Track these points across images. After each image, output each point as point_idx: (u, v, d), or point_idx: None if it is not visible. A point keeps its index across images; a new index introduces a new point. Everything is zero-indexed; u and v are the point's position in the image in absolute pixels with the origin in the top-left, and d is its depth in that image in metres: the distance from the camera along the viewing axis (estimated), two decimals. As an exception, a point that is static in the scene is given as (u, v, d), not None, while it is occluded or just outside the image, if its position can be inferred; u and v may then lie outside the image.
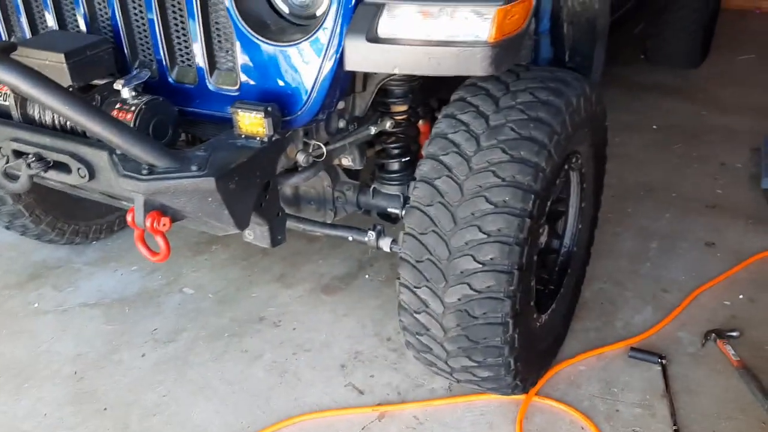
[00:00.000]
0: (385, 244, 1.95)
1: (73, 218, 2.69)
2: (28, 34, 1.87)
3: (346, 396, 2.09)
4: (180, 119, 1.69)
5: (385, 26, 1.44)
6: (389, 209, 2.05)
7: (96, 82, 1.70)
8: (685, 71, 4.31)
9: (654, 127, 3.66)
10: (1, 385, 2.17)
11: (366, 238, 1.98)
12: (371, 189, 2.09)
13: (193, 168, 1.46)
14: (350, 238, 2.03)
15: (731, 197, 3.00)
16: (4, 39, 1.94)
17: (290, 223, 2.07)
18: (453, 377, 1.87)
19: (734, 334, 2.21)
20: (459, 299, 1.65)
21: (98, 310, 2.49)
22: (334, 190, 2.12)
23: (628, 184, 3.11)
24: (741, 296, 2.41)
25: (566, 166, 1.87)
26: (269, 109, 1.53)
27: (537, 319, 1.94)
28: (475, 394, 2.03)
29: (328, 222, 2.13)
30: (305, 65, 1.56)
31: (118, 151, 1.52)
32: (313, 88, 1.57)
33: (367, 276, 2.61)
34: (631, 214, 2.91)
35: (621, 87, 4.13)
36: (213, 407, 2.06)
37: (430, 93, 2.10)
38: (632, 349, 2.17)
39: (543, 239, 1.97)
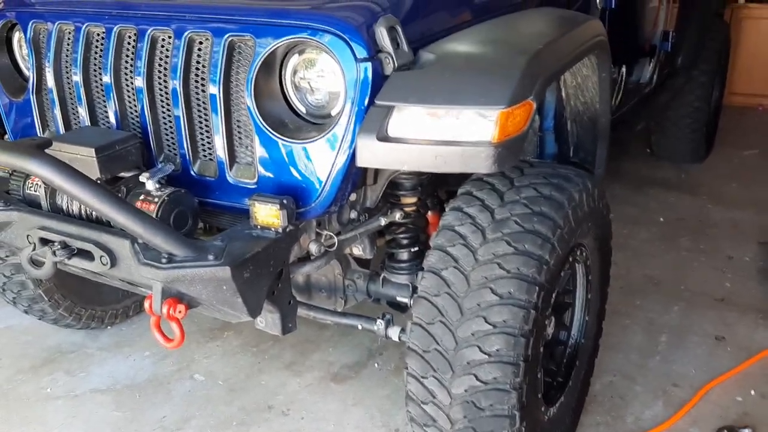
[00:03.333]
0: (394, 333, 1.98)
1: (90, 303, 2.75)
2: (61, 129, 2.00)
3: (353, 489, 2.07)
4: (200, 210, 1.77)
5: (394, 126, 1.54)
6: (398, 298, 2.09)
7: (122, 174, 1.81)
8: (690, 166, 4.42)
9: (660, 220, 3.73)
10: (8, 472, 2.17)
11: (375, 327, 2.02)
12: (381, 278, 2.14)
13: (210, 257, 1.53)
14: (360, 327, 2.07)
15: (740, 291, 3.02)
16: (39, 133, 2.07)
17: (301, 311, 2.11)
18: (461, 471, 1.85)
19: (747, 431, 2.18)
20: (466, 390, 1.66)
21: (109, 396, 2.50)
22: (344, 279, 2.17)
23: (636, 277, 3.14)
24: (753, 392, 2.39)
25: (571, 259, 1.92)
26: (284, 201, 1.61)
27: (545, 412, 1.94)
28: (484, 488, 2.00)
29: (339, 310, 2.18)
30: (320, 161, 1.66)
31: (140, 241, 1.60)
32: (326, 182, 1.66)
33: (376, 365, 2.62)
34: (640, 306, 2.92)
35: (627, 181, 4.23)
36: (218, 498, 2.05)
37: (439, 185, 2.18)
38: (643, 445, 2.14)
39: (550, 330, 1.99)
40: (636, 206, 3.89)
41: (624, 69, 3.12)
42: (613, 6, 2.60)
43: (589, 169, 2.39)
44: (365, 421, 2.33)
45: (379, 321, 2.01)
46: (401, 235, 2.12)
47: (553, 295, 1.80)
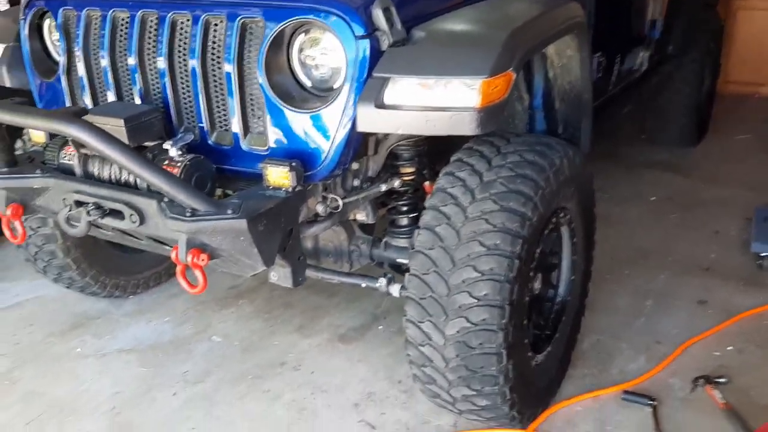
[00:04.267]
0: (395, 289, 2.18)
1: (115, 273, 2.97)
2: (90, 105, 2.20)
3: (360, 430, 2.26)
4: (216, 175, 1.98)
5: (390, 95, 1.74)
6: (399, 260, 2.29)
7: (146, 144, 2.01)
8: (683, 149, 4.58)
9: (652, 198, 3.90)
10: (46, 419, 2.38)
11: (377, 284, 2.22)
12: (383, 242, 2.35)
13: (229, 211, 1.74)
14: (363, 285, 2.27)
15: (724, 261, 3.20)
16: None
17: (310, 272, 2.31)
18: (456, 408, 2.05)
19: (722, 380, 2.36)
20: (458, 331, 1.86)
21: (134, 355, 2.72)
22: (349, 244, 2.38)
23: (626, 249, 3.32)
24: (730, 348, 2.57)
25: (555, 220, 2.12)
26: (294, 164, 1.82)
27: (533, 358, 2.13)
28: (479, 430, 2.20)
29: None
30: (324, 128, 1.86)
31: (165, 200, 1.81)
32: (330, 147, 1.87)
33: (380, 327, 2.82)
34: (628, 275, 3.10)
35: (622, 164, 4.41)
36: (236, 440, 2.26)
37: (435, 158, 2.38)
38: (625, 392, 2.33)
39: (537, 287, 2.19)
40: (630, 186, 4.07)
41: (616, 54, 3.31)
42: (599, -8, 2.77)
43: (577, 144, 2.58)
44: (370, 375, 2.53)
45: (381, 279, 2.21)
46: (401, 203, 2.33)
47: (537, 250, 1.99)
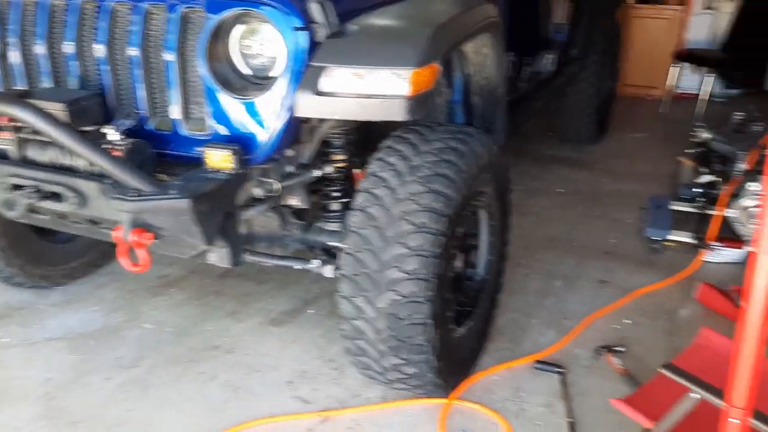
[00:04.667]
0: (328, 270, 2.32)
1: (41, 263, 2.95)
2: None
3: (294, 406, 2.38)
4: (157, 160, 2.05)
5: (326, 83, 1.88)
6: (330, 243, 2.42)
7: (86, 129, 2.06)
8: (587, 146, 4.96)
9: (560, 191, 4.21)
10: (-27, 408, 2.36)
11: (311, 266, 2.35)
12: (315, 227, 2.47)
13: (172, 192, 1.82)
14: (297, 267, 2.39)
15: (622, 246, 3.52)
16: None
17: (246, 256, 2.41)
18: (385, 378, 2.20)
19: (621, 349, 2.63)
20: (388, 304, 2.02)
21: (63, 343, 2.72)
22: (283, 229, 2.49)
23: (537, 237, 3.59)
24: (627, 321, 2.86)
25: (474, 202, 2.31)
26: (235, 148, 1.92)
27: (455, 331, 2.32)
28: (405, 399, 2.36)
29: (278, 257, 2.49)
30: (263, 114, 1.97)
31: (108, 182, 1.87)
32: (268, 132, 1.98)
33: (311, 311, 2.94)
34: (539, 260, 3.37)
35: (532, 159, 4.72)
36: (174, 417, 2.32)
37: (364, 147, 2.53)
38: (537, 362, 2.56)
39: (459, 265, 2.38)
40: (540, 180, 4.38)
41: (526, 55, 3.57)
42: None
43: (493, 136, 2.80)
44: (302, 355, 2.65)
45: (314, 261, 2.34)
46: (332, 189, 2.46)
47: (459, 229, 2.17)
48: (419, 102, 1.88)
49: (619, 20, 5.62)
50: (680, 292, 3.08)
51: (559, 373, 2.51)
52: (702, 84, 5.67)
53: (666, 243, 3.45)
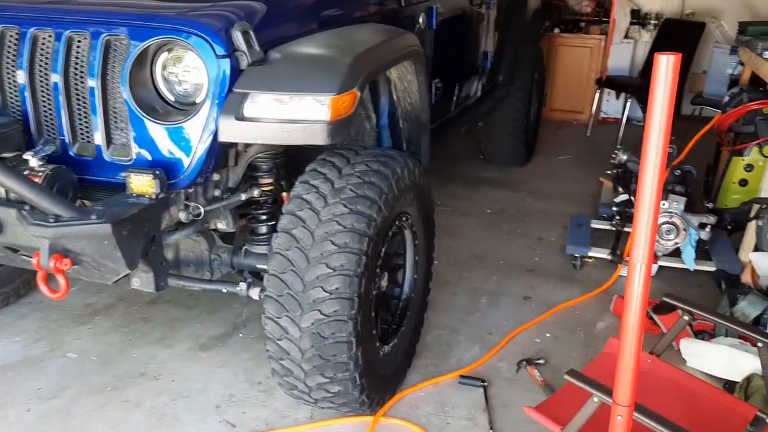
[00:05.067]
0: (255, 293, 2.33)
1: (-42, 293, 2.87)
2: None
3: (220, 429, 2.38)
4: (78, 185, 2.05)
5: (249, 109, 1.92)
6: (258, 266, 2.45)
7: (5, 155, 2.04)
8: (514, 168, 5.14)
9: (487, 211, 4.36)
10: None
11: (238, 289, 2.36)
12: (243, 250, 2.50)
13: (93, 217, 1.83)
14: (224, 290, 2.40)
15: (545, 263, 3.67)
16: None
17: (171, 281, 2.41)
18: (311, 397, 2.24)
19: (541, 361, 2.74)
20: (312, 323, 2.06)
21: (-19, 375, 2.64)
22: (210, 253, 2.50)
23: (464, 256, 3.70)
24: (548, 335, 2.98)
25: (398, 223, 2.39)
26: (157, 172, 1.94)
27: (380, 348, 2.37)
28: (332, 418, 2.40)
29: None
30: (186, 140, 2.00)
31: (26, 209, 1.86)
32: (192, 157, 2.01)
33: (240, 335, 2.95)
34: (466, 278, 3.47)
35: (462, 181, 4.87)
36: (97, 448, 2.29)
37: (292, 170, 2.58)
38: (461, 376, 2.64)
39: (384, 284, 2.44)
40: (468, 200, 4.51)
41: (453, 81, 3.72)
42: (434, 26, 3.14)
43: (419, 159, 2.90)
44: (231, 379, 2.65)
45: (241, 284, 2.36)
46: (260, 212, 2.49)
47: (382, 249, 2.24)
48: (339, 127, 1.95)
49: (544, 48, 5.89)
50: (598, 305, 3.23)
51: (482, 386, 2.59)
52: (623, 108, 5.96)
53: (586, 259, 3.62)
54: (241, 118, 1.92)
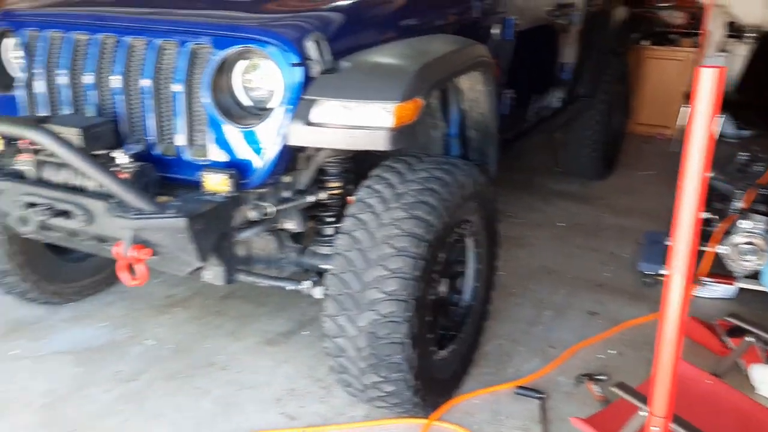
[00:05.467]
0: (318, 292, 2.43)
1: (55, 280, 3.11)
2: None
3: (280, 421, 2.49)
4: (160, 182, 2.21)
5: (317, 115, 2.03)
6: (322, 266, 2.55)
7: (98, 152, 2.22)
8: (593, 182, 5.05)
9: (560, 224, 4.30)
10: (-21, 414, 2.51)
11: (302, 287, 2.47)
12: (309, 250, 2.60)
13: (171, 211, 1.98)
14: (290, 288, 2.51)
15: (616, 279, 3.60)
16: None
17: (241, 276, 2.55)
18: (366, 395, 2.30)
19: (602, 377, 2.70)
20: (368, 323, 2.13)
21: (69, 356, 2.86)
22: (279, 252, 2.63)
23: (532, 267, 3.69)
24: (612, 351, 2.93)
25: (459, 230, 2.43)
26: (230, 173, 2.07)
27: (436, 353, 2.42)
28: (387, 418, 2.46)
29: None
30: (259, 142, 2.13)
31: (112, 201, 2.03)
32: (263, 159, 2.13)
33: (305, 332, 3.06)
34: (532, 289, 3.46)
35: (536, 193, 4.83)
36: (166, 429, 2.44)
37: (360, 175, 2.66)
38: (518, 387, 2.64)
39: (443, 290, 2.48)
40: (541, 212, 4.47)
41: (529, 92, 3.72)
42: (510, 37, 3.16)
43: (487, 169, 2.93)
44: (293, 373, 2.76)
45: (305, 282, 2.47)
46: (326, 214, 2.60)
47: (441, 255, 2.29)
48: (402, 133, 2.01)
49: (632, 61, 5.75)
50: (668, 325, 3.13)
51: (539, 398, 2.58)
52: (712, 124, 5.74)
53: (658, 277, 3.52)
54: (309, 123, 2.02)
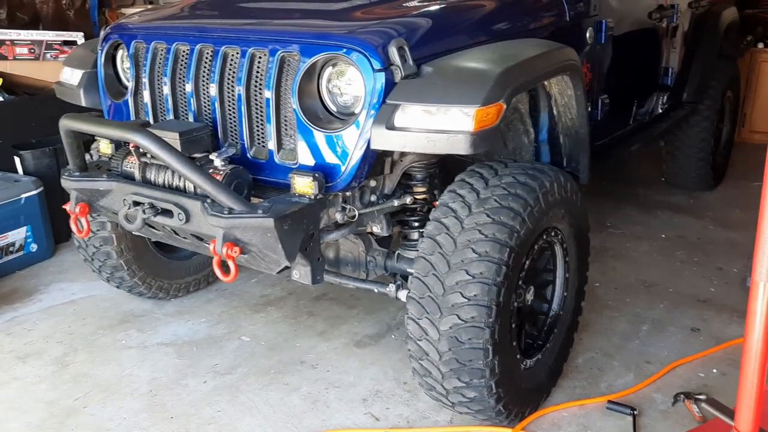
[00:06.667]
0: (403, 295, 2.46)
1: (160, 276, 3.33)
2: (152, 121, 2.58)
3: (365, 421, 2.53)
4: (253, 184, 2.32)
5: (399, 119, 2.06)
6: (408, 269, 2.57)
7: (196, 155, 2.36)
8: (700, 193, 4.79)
9: (662, 236, 4.11)
10: (92, 396, 2.71)
11: (387, 290, 2.50)
12: (396, 254, 2.64)
13: (260, 211, 2.07)
14: (376, 290, 2.56)
15: (722, 295, 3.39)
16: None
17: (329, 277, 2.62)
18: (448, 400, 2.30)
19: (702, 397, 2.53)
20: (450, 327, 2.13)
21: (172, 348, 3.04)
22: (366, 255, 2.68)
23: (630, 280, 3.54)
24: (715, 371, 2.76)
25: (546, 237, 2.38)
26: (317, 175, 2.14)
27: (522, 361, 2.38)
28: (471, 425, 2.44)
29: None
30: (344, 146, 2.19)
31: (208, 201, 2.15)
32: (348, 163, 2.19)
33: (393, 336, 3.09)
34: (629, 303, 3.32)
35: (639, 204, 4.63)
36: (257, 422, 2.54)
37: (446, 181, 2.67)
38: (610, 401, 2.54)
39: (529, 298, 2.44)
40: (642, 225, 4.29)
41: (626, 98, 3.59)
42: (603, 41, 3.07)
43: (579, 176, 2.86)
44: (380, 375, 2.80)
45: (391, 285, 2.50)
46: (412, 218, 2.63)
47: (526, 261, 2.26)
48: (483, 137, 2.01)
49: (742, 65, 5.42)
50: (779, 345, 2.91)
51: (631, 414, 2.47)
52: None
53: (770, 294, 3.28)
54: (391, 127, 2.06)
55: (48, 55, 4.60)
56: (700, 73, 4.35)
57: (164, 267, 3.34)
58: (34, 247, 3.88)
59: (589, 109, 3.04)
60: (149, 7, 5.50)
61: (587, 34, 2.96)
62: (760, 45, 5.94)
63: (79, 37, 4.71)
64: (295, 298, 3.46)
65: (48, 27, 5.02)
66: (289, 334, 3.13)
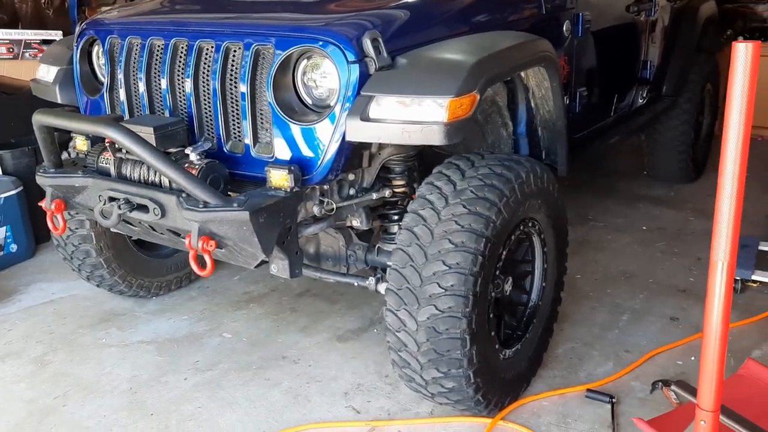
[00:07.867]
0: (382, 287, 2.46)
1: (141, 274, 3.31)
2: (127, 117, 2.57)
3: (346, 414, 2.53)
4: (229, 178, 2.31)
5: (374, 111, 2.06)
6: (388, 263, 2.57)
7: (171, 150, 2.35)
8: (680, 186, 4.82)
9: (643, 228, 4.14)
10: (71, 395, 2.69)
11: (367, 283, 2.51)
12: (376, 248, 2.64)
13: (235, 205, 2.06)
14: (355, 284, 2.56)
15: (701, 284, 3.40)
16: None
17: (309, 271, 2.62)
18: (427, 391, 2.30)
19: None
20: (428, 318, 2.14)
21: (152, 346, 3.03)
22: (347, 250, 2.68)
23: (611, 272, 3.56)
24: (693, 358, 2.78)
25: (524, 228, 2.39)
26: (292, 168, 2.14)
27: (500, 351, 2.38)
28: (451, 416, 2.44)
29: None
30: (320, 139, 2.19)
31: (183, 196, 2.14)
32: (324, 155, 2.19)
33: (375, 330, 3.09)
34: (610, 294, 3.34)
35: (620, 197, 4.67)
36: (237, 417, 2.53)
37: (426, 174, 2.68)
38: (589, 390, 2.56)
39: (507, 288, 2.45)
40: (624, 217, 4.32)
41: (604, 90, 3.61)
42: (580, 34, 3.09)
43: (557, 168, 2.87)
44: (361, 369, 2.80)
45: (371, 278, 2.51)
46: (392, 212, 2.63)
47: (503, 252, 2.26)
48: (457, 128, 2.01)
49: (721, 59, 5.46)
50: (757, 332, 2.95)
51: (610, 402, 2.49)
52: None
53: (749, 283, 3.32)
54: (366, 119, 2.06)
55: (27, 54, 4.58)
56: (679, 67, 4.38)
57: (144, 265, 3.33)
58: (14, 247, 3.86)
59: (567, 101, 3.06)
60: (127, 4, 5.48)
61: (564, 27, 2.98)
62: (740, 39, 5.99)
63: (58, 35, 4.69)
64: (277, 294, 3.45)
65: (27, 26, 5.00)
66: (271, 330, 3.13)
